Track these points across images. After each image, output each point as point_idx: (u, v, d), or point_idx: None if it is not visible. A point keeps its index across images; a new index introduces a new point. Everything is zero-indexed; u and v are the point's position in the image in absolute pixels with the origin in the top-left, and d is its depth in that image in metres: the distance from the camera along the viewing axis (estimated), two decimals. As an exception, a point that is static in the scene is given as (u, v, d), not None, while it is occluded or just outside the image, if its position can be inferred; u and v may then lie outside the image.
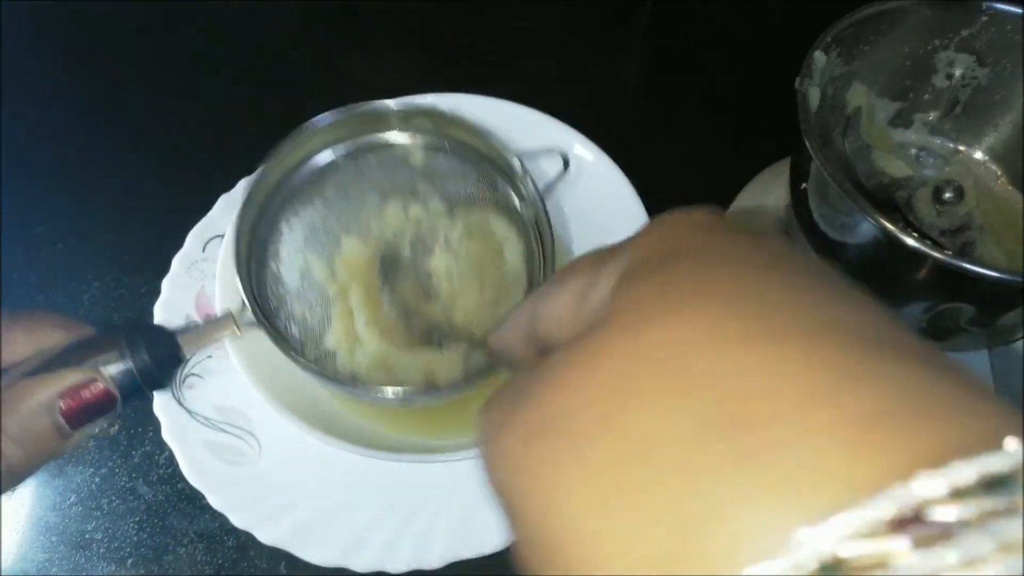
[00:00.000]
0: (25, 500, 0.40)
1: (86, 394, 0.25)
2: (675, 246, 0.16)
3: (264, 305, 0.35)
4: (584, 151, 0.42)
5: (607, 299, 0.16)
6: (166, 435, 0.38)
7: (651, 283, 0.15)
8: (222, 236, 0.38)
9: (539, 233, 0.37)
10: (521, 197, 0.38)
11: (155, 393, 0.27)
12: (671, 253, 0.16)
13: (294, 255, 0.38)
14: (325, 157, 0.38)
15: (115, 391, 0.26)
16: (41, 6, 0.60)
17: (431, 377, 0.38)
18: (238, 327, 0.31)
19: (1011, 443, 0.10)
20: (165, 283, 0.42)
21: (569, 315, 0.17)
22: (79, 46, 0.59)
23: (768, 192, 0.46)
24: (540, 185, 0.37)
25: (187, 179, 0.51)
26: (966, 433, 0.11)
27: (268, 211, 0.37)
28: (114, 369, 0.26)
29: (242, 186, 0.40)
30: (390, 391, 0.33)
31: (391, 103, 0.38)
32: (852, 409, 0.11)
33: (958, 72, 0.41)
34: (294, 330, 0.36)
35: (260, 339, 0.36)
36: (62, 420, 0.24)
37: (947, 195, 0.40)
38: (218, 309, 0.37)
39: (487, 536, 0.36)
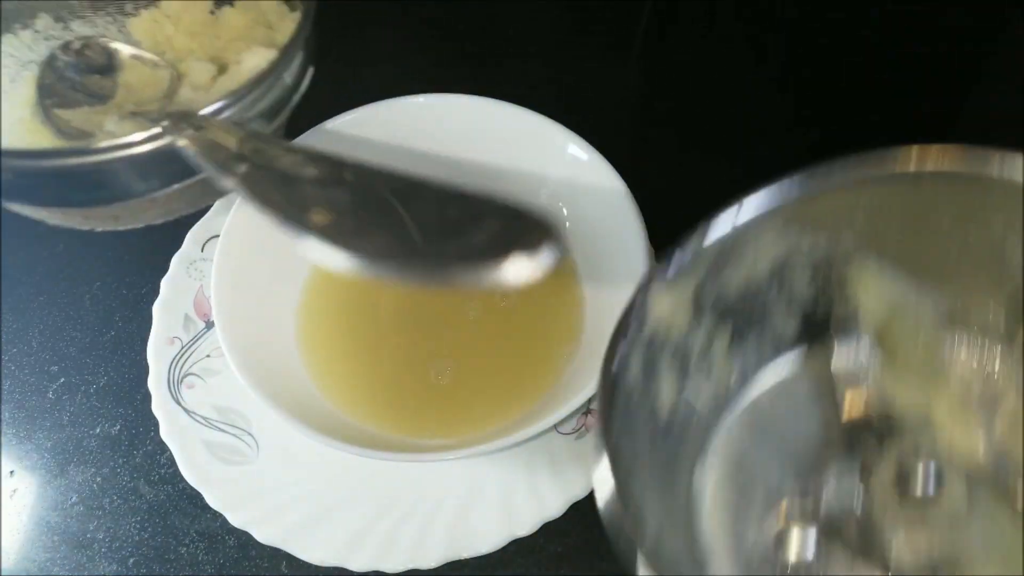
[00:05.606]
0: (26, 500, 0.40)
1: None
2: None
3: None
4: (581, 152, 0.41)
5: None
6: (164, 435, 0.39)
7: None
8: (219, 236, 0.39)
9: None
10: None
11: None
12: None
13: None
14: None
15: None
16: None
17: None
18: None
19: None
20: (164, 283, 0.43)
21: None
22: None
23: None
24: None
25: (187, 179, 0.51)
26: None
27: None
28: None
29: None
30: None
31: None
32: None
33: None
34: None
35: (258, 337, 0.36)
36: None
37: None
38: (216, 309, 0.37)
39: (485, 536, 0.36)
